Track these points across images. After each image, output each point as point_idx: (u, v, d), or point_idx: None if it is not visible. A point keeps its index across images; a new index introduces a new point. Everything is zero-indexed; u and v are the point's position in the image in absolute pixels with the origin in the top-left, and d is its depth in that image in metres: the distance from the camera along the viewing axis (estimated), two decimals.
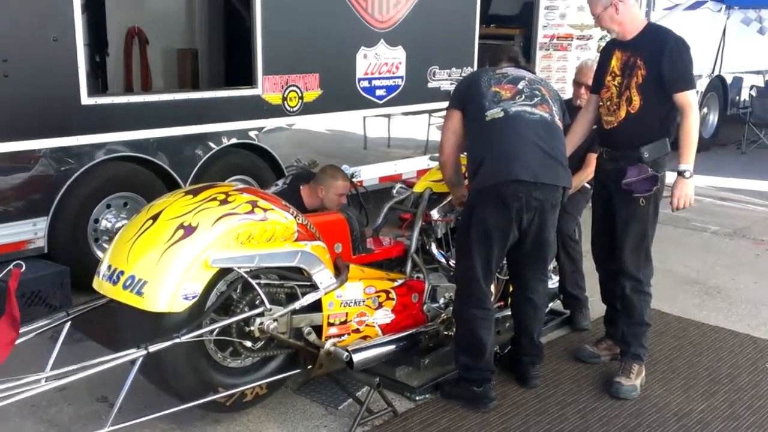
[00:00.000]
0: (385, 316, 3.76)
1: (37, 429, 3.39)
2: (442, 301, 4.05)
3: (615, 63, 3.79)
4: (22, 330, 3.12)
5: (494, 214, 3.50)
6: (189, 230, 3.04)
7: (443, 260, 4.21)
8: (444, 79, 6.98)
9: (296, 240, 3.30)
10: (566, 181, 3.63)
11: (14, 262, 3.59)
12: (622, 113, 3.74)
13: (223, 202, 3.17)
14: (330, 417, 3.55)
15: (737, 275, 5.82)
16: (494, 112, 3.58)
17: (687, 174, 3.66)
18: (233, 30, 6.84)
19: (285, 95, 5.76)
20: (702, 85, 10.50)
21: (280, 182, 4.59)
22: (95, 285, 3.16)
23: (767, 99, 11.49)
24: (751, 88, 11.80)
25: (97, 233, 4.99)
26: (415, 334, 3.86)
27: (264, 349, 3.35)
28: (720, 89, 11.35)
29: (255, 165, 5.74)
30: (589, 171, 4.40)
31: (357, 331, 3.63)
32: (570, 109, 4.14)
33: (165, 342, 2.91)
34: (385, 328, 3.76)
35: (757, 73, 12.15)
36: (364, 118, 6.54)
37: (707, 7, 10.19)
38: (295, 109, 5.86)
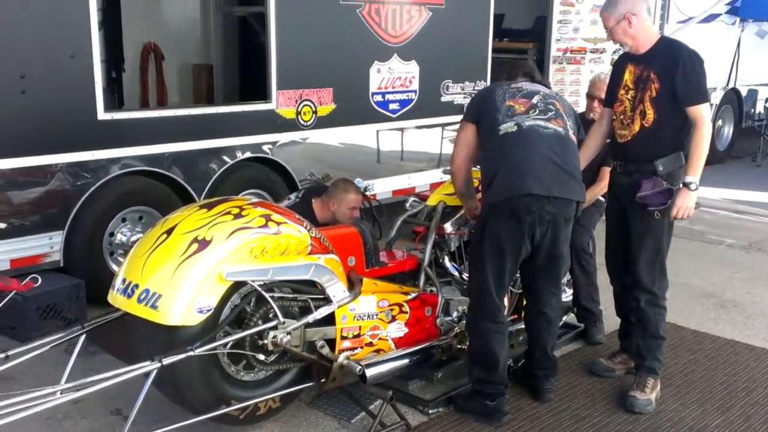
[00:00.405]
0: (398, 329, 3.76)
1: None
2: (455, 314, 4.04)
3: (628, 77, 3.79)
4: (38, 343, 3.15)
5: (507, 228, 3.50)
6: (203, 244, 3.06)
7: (456, 273, 4.20)
8: (457, 93, 7.00)
9: (310, 253, 3.31)
10: (580, 195, 3.63)
11: (30, 276, 3.63)
12: (636, 127, 3.74)
13: (237, 216, 3.19)
14: (343, 431, 3.55)
15: (753, 288, 5.78)
16: (508, 126, 3.59)
17: (692, 186, 3.63)
18: (248, 45, 6.89)
19: (299, 109, 5.80)
20: (716, 97, 10.47)
21: (292, 196, 4.61)
22: (110, 298, 3.18)
23: None
24: (767, 100, 11.74)
25: (113, 247, 5.02)
26: (428, 347, 3.85)
27: (277, 362, 3.35)
28: (735, 102, 11.29)
29: (269, 179, 5.77)
30: (603, 185, 4.39)
31: (370, 344, 3.63)
32: (583, 122, 4.14)
33: (179, 355, 2.92)
34: (399, 342, 3.76)
35: None
36: (378, 131, 6.56)
37: (721, 20, 10.17)
38: (308, 123, 5.89)
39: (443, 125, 7.03)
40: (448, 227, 4.18)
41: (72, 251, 4.76)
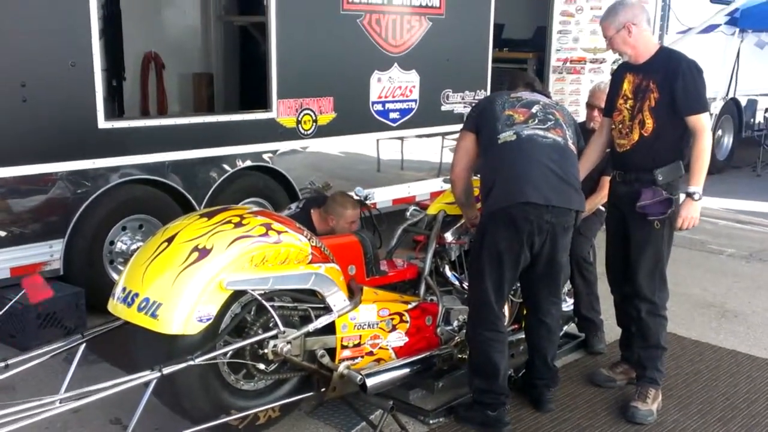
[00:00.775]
0: (398, 338, 3.75)
1: None
2: (455, 323, 4.04)
3: (627, 86, 3.80)
4: (38, 352, 3.14)
5: (506, 237, 3.50)
6: (203, 253, 3.05)
7: (457, 283, 4.20)
8: (457, 103, 7.01)
9: (310, 262, 3.31)
10: (579, 205, 3.63)
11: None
12: (635, 136, 3.74)
13: (238, 224, 3.19)
14: None
15: (754, 298, 5.77)
16: (506, 135, 3.60)
17: (696, 196, 3.64)
18: (248, 54, 6.91)
19: (299, 118, 5.80)
20: (716, 107, 10.50)
21: (293, 206, 4.62)
22: (110, 307, 3.17)
23: None
24: (766, 110, 11.77)
25: (113, 255, 5.02)
26: (428, 357, 3.84)
27: (277, 371, 3.34)
28: (734, 112, 11.33)
29: (269, 187, 5.77)
30: (602, 194, 4.39)
31: (370, 353, 3.62)
32: (584, 131, 4.15)
33: (179, 364, 2.91)
34: (399, 351, 3.75)
35: None
36: (378, 140, 6.57)
37: (721, 31, 10.20)
38: (309, 132, 5.90)
39: (443, 134, 7.04)
40: (449, 236, 4.18)
41: (72, 259, 4.76)
